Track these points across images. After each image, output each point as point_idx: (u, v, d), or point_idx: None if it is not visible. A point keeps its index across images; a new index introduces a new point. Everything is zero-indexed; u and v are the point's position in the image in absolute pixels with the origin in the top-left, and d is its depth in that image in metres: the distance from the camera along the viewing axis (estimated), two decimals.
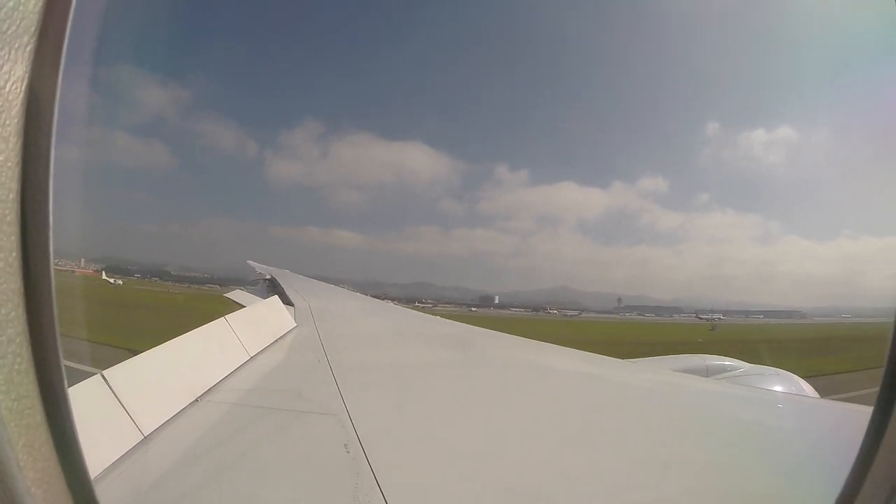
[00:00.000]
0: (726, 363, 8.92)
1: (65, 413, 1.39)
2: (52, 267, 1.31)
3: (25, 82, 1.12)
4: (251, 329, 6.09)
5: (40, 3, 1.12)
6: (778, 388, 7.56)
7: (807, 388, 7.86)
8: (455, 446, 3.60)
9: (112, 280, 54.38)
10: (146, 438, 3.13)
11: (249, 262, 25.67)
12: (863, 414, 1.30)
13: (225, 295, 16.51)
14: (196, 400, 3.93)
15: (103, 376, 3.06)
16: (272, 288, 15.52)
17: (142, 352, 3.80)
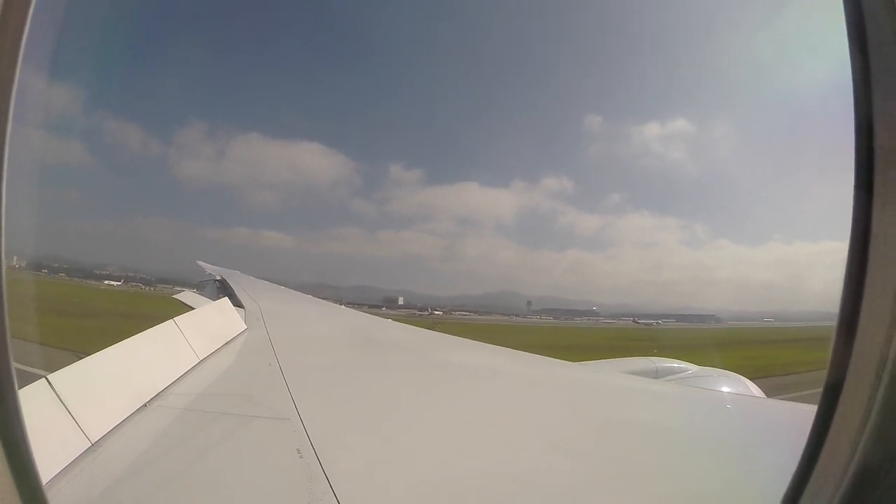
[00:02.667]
0: (674, 365, 9.09)
1: (14, 418, 1.42)
2: (3, 269, 1.34)
3: None
4: (201, 332, 5.97)
5: None
6: (725, 389, 7.80)
7: (754, 388, 8.12)
8: (408, 449, 3.66)
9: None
10: (93, 446, 3.05)
11: (199, 262, 24.67)
12: (808, 413, 1.35)
13: (174, 296, 15.89)
14: (145, 405, 3.85)
15: (48, 380, 2.98)
16: (222, 289, 15.10)
17: (88, 355, 3.73)
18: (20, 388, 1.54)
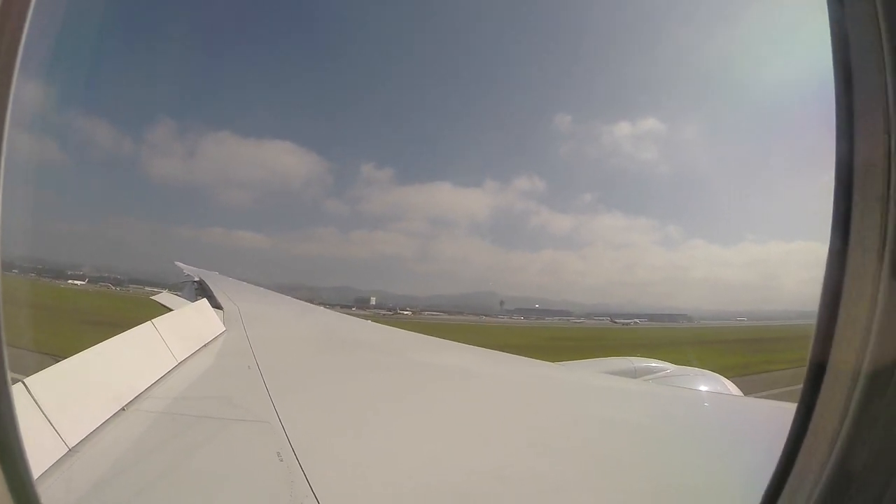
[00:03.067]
0: (653, 365, 9.18)
1: (7, 418, 1.41)
2: None
3: None
4: (179, 334, 5.87)
5: None
6: (703, 388, 7.88)
7: (731, 387, 8.23)
8: (389, 450, 3.66)
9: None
10: (71, 451, 2.99)
11: (177, 262, 24.16)
12: (785, 411, 1.37)
13: (152, 297, 15.56)
14: (123, 409, 3.78)
15: (24, 384, 2.89)
16: (200, 290, 14.85)
17: (64, 358, 3.64)
18: None
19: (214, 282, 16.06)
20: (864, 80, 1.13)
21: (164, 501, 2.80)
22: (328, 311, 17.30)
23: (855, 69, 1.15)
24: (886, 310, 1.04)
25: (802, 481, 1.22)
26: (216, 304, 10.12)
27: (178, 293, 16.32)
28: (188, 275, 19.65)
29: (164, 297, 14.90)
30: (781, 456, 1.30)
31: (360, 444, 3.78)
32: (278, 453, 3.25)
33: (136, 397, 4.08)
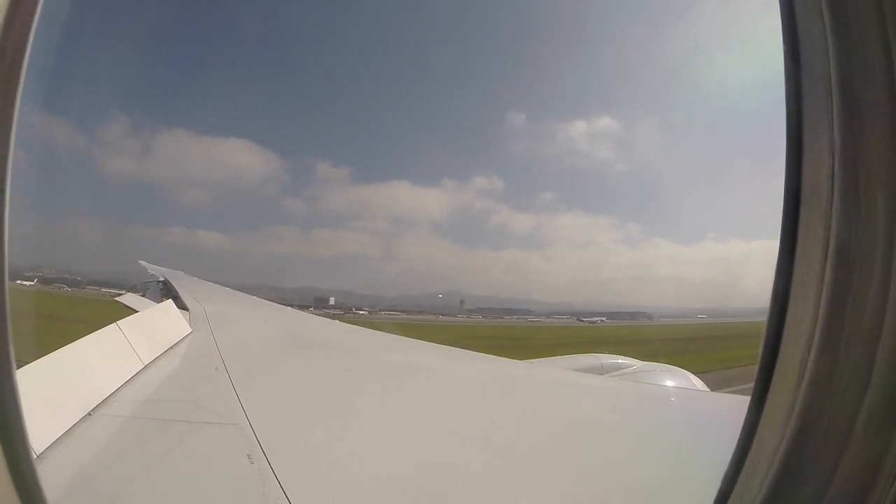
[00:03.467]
0: (619, 361, 9.35)
1: (13, 410, 1.39)
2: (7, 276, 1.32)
3: None
4: (145, 336, 5.74)
5: None
6: (669, 384, 8.05)
7: (697, 382, 8.37)
8: (358, 450, 3.70)
9: None
10: (37, 458, 2.88)
11: (141, 262, 23.27)
12: (747, 404, 1.40)
13: (117, 299, 15.01)
14: (89, 414, 3.70)
15: None
16: (166, 291, 14.43)
17: (27, 363, 3.53)
18: None
19: (180, 282, 15.63)
20: (813, 103, 1.24)
21: None
22: (295, 311, 17.09)
23: (805, 89, 1.26)
24: (827, 315, 1.17)
25: (757, 466, 1.32)
26: (182, 306, 9.89)
27: (142, 293, 15.82)
28: (153, 275, 19.02)
29: (129, 299, 14.42)
30: (738, 444, 1.39)
31: (329, 444, 3.80)
32: (248, 455, 3.25)
33: (102, 402, 3.99)
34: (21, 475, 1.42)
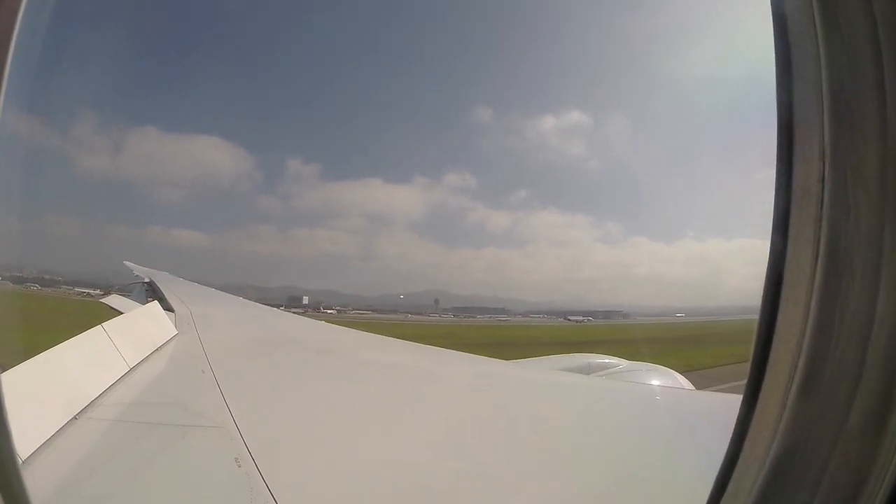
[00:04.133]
0: (606, 361, 9.31)
1: None
2: None
3: None
4: (130, 338, 5.67)
5: None
6: (656, 383, 8.05)
7: (684, 381, 8.39)
8: (347, 453, 3.69)
9: None
10: (23, 464, 2.85)
11: (126, 262, 22.92)
12: (734, 404, 1.42)
13: (101, 300, 14.79)
14: (74, 418, 3.64)
15: None
16: (150, 292, 14.26)
17: (11, 366, 3.46)
18: None
19: (165, 283, 15.46)
20: (804, 107, 1.26)
21: None
22: (280, 311, 17.01)
23: (796, 94, 1.28)
24: (817, 317, 1.19)
25: (749, 465, 1.34)
26: (167, 307, 9.79)
27: (126, 294, 15.63)
28: (138, 275, 18.78)
29: (113, 300, 14.23)
30: (730, 443, 1.41)
31: (317, 445, 3.79)
32: (236, 459, 3.23)
33: (88, 405, 3.93)
34: (6, 481, 1.40)
